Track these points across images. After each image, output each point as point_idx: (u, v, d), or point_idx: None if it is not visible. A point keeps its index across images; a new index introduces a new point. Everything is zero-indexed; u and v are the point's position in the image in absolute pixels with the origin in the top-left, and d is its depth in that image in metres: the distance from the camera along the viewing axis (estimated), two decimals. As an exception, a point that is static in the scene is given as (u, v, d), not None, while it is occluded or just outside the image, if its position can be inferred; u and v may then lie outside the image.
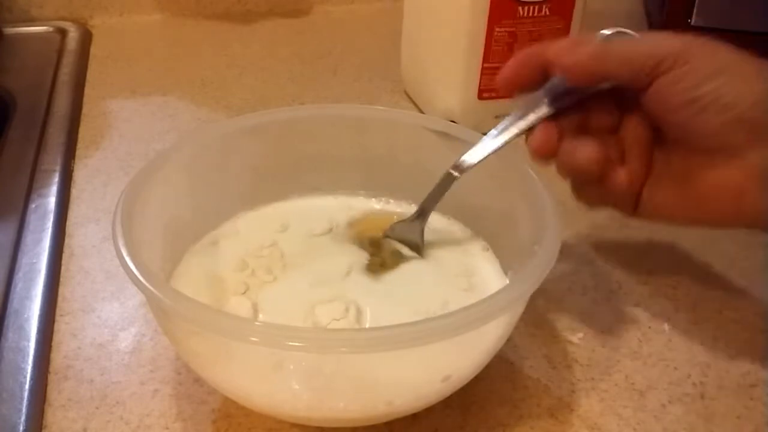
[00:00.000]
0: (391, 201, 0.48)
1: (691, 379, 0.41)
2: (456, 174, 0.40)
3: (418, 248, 0.43)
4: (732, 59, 0.35)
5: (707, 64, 0.34)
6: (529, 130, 0.38)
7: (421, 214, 0.43)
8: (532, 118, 0.38)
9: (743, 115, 0.34)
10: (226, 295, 0.40)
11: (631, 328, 0.44)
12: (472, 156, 0.40)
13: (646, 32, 0.39)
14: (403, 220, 0.44)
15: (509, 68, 0.38)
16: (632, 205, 0.38)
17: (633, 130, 0.38)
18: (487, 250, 0.44)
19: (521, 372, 0.41)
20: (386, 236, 0.44)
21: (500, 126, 0.39)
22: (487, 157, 0.39)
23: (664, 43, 0.35)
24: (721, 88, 0.34)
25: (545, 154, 0.38)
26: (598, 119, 0.38)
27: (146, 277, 0.32)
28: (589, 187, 0.39)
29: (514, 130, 0.38)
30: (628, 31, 0.39)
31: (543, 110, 0.38)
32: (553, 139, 0.37)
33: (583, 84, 0.37)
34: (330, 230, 0.45)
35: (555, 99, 0.38)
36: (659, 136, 0.37)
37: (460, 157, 0.40)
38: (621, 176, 0.37)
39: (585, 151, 0.37)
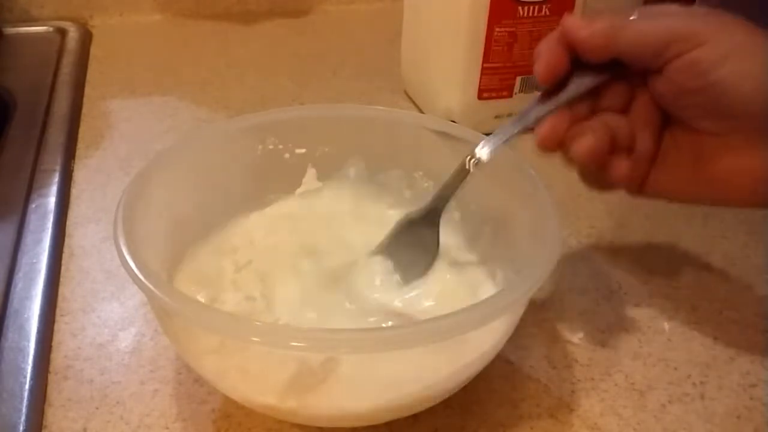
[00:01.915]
0: (392, 201, 0.48)
1: (691, 379, 0.41)
2: (471, 169, 0.39)
3: (433, 251, 0.42)
4: (751, 40, 0.34)
5: (723, 47, 0.33)
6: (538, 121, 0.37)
7: (434, 214, 0.41)
8: (548, 107, 0.37)
9: (763, 99, 0.33)
10: (225, 295, 0.40)
11: (631, 328, 0.44)
12: (488, 148, 0.38)
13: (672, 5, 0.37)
14: (412, 220, 0.42)
15: (547, 53, 0.37)
16: (638, 185, 0.38)
17: (643, 111, 0.37)
18: (487, 250, 0.44)
19: (521, 372, 0.41)
20: (395, 238, 0.42)
21: (513, 119, 0.38)
22: (502, 144, 0.38)
23: (678, 23, 0.34)
24: (739, 72, 0.33)
25: (550, 145, 0.37)
26: (609, 99, 0.37)
27: (147, 277, 0.32)
28: (594, 172, 0.38)
29: (527, 120, 0.37)
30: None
31: (560, 99, 0.37)
32: (560, 130, 0.37)
33: (594, 59, 0.36)
34: (329, 230, 0.45)
35: (570, 87, 0.37)
36: (669, 117, 0.37)
37: (474, 151, 0.39)
38: (622, 168, 0.37)
39: (583, 143, 0.36)
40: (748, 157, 0.35)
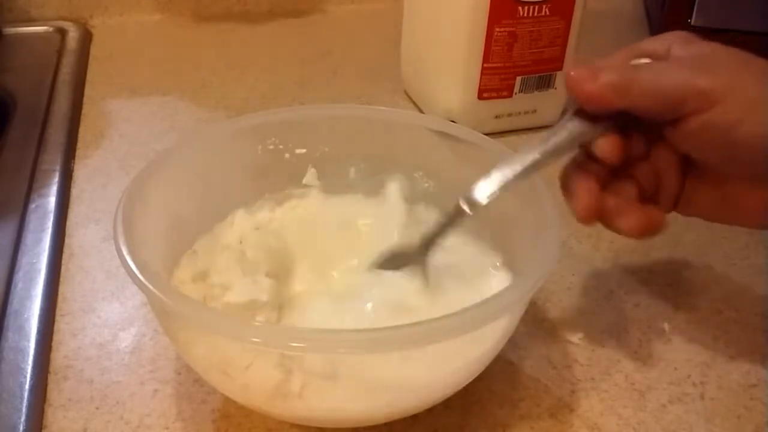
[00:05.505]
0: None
1: (691, 379, 0.41)
2: (468, 211, 0.37)
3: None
4: (765, 90, 0.33)
5: (738, 108, 0.32)
6: (551, 158, 0.36)
7: (426, 248, 0.40)
8: (553, 141, 0.36)
9: None
10: (224, 292, 0.40)
11: (631, 328, 0.44)
12: (486, 190, 0.36)
13: (680, 44, 0.36)
14: (402, 253, 0.41)
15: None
16: (671, 209, 0.38)
17: (664, 154, 0.37)
18: (490, 250, 0.44)
19: (521, 372, 0.41)
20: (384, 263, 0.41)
21: (518, 155, 0.36)
22: (504, 186, 0.36)
23: (691, 79, 0.33)
24: (754, 133, 0.32)
25: (590, 221, 0.37)
26: (631, 149, 0.36)
27: (147, 277, 0.32)
28: None
29: (529, 163, 0.36)
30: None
31: (565, 133, 0.36)
32: (595, 202, 0.36)
33: (602, 112, 0.35)
34: (329, 230, 0.45)
35: (575, 132, 0.36)
36: (689, 160, 0.36)
37: (472, 190, 0.37)
38: (659, 219, 0.37)
39: (626, 225, 0.36)
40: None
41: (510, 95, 0.62)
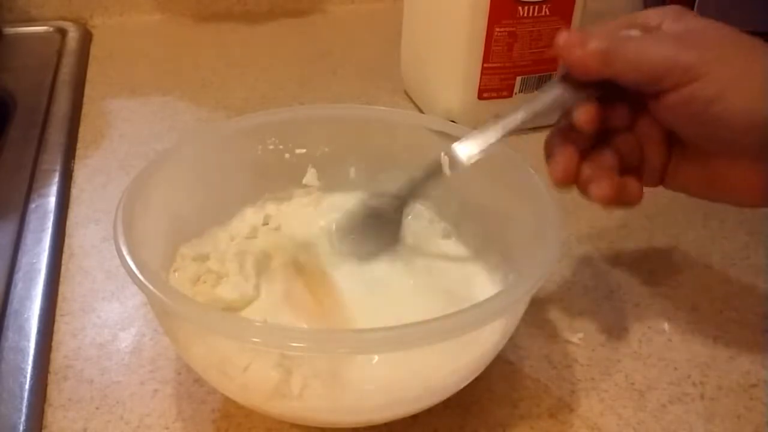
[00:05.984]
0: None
1: (691, 379, 0.41)
2: (449, 172, 0.39)
3: (395, 240, 0.42)
4: (749, 69, 0.33)
5: (718, 83, 0.33)
6: (534, 123, 0.37)
7: (402, 203, 0.41)
8: (536, 105, 0.37)
9: (762, 128, 0.33)
10: (223, 289, 0.40)
11: (631, 328, 0.44)
12: (469, 150, 0.38)
13: (670, 18, 0.36)
14: (379, 206, 0.42)
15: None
16: (657, 183, 0.39)
17: (648, 127, 0.37)
18: (485, 249, 0.44)
19: (521, 372, 0.41)
20: (354, 222, 0.42)
21: (501, 118, 0.37)
22: (487, 149, 0.38)
23: (675, 52, 0.33)
24: (732, 109, 0.33)
25: (566, 185, 0.37)
26: (614, 119, 0.37)
27: (147, 277, 0.32)
28: None
29: (516, 120, 0.37)
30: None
31: (548, 98, 0.36)
32: (572, 168, 0.37)
33: (587, 79, 0.36)
34: (328, 229, 0.45)
35: (559, 96, 0.36)
36: (674, 135, 0.37)
37: (455, 150, 0.38)
38: (635, 190, 0.38)
39: (599, 192, 0.37)
40: (752, 172, 0.35)
41: (510, 95, 0.62)
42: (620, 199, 0.37)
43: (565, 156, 0.37)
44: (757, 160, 0.34)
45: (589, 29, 0.36)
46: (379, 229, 0.42)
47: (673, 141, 0.37)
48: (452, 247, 0.45)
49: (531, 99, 0.37)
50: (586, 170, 0.37)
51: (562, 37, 0.35)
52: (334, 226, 0.43)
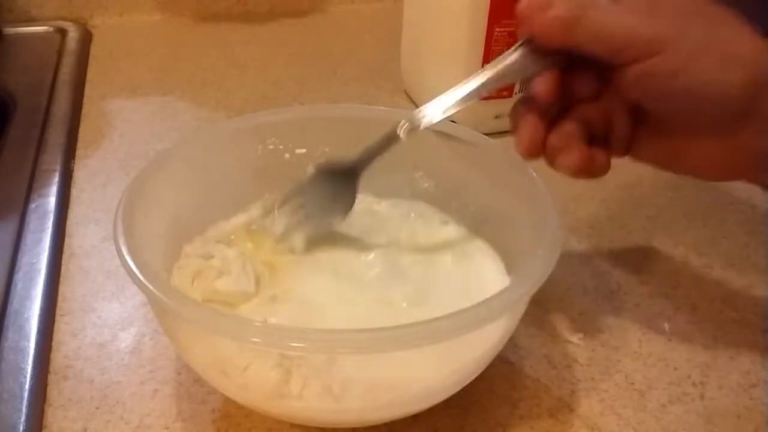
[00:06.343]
0: (391, 201, 0.47)
1: (691, 379, 0.41)
2: (404, 136, 0.39)
3: (347, 207, 0.42)
4: (711, 41, 0.32)
5: (679, 57, 0.32)
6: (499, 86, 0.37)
7: (357, 168, 0.41)
8: (497, 71, 0.36)
9: (724, 101, 0.32)
10: (221, 286, 0.40)
11: (631, 328, 0.44)
12: (429, 115, 0.38)
13: None
14: (333, 170, 0.42)
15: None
16: (623, 154, 0.38)
17: (613, 99, 0.36)
18: (488, 250, 0.44)
19: (521, 372, 0.41)
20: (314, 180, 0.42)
21: (462, 84, 0.38)
22: (445, 112, 0.38)
23: (638, 24, 0.33)
24: (693, 83, 0.32)
25: (533, 156, 0.37)
26: (579, 90, 0.36)
27: (147, 277, 0.32)
28: None
29: (475, 85, 0.37)
30: None
31: (508, 63, 0.36)
32: (539, 139, 0.37)
33: (550, 48, 0.35)
34: (327, 230, 0.45)
35: (524, 67, 0.36)
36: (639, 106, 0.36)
37: (414, 115, 0.39)
38: (602, 160, 0.37)
39: (566, 162, 0.36)
40: (716, 147, 0.35)
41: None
42: (588, 170, 0.37)
43: (530, 126, 0.37)
44: (719, 134, 0.34)
45: None
46: (335, 192, 0.42)
47: (638, 112, 0.37)
48: (452, 233, 0.45)
49: (492, 65, 0.37)
50: (553, 140, 0.37)
51: (523, 4, 0.34)
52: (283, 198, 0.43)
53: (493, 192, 0.43)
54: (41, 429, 0.37)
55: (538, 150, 0.37)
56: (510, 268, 0.41)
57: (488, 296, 0.32)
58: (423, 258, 0.43)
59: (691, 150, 0.36)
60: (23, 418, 0.37)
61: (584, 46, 0.34)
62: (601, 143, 0.38)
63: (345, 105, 0.59)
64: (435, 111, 0.38)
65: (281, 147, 0.47)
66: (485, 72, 0.37)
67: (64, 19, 0.83)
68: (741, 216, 0.54)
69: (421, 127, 0.38)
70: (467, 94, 0.37)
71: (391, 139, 0.40)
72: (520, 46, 0.36)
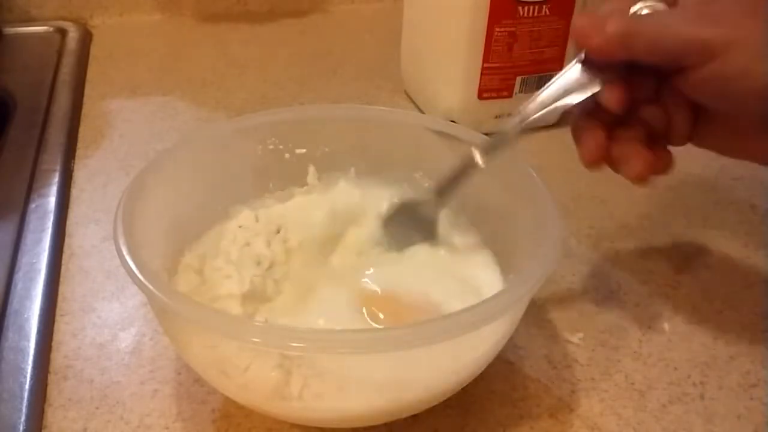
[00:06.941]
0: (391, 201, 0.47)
1: (691, 379, 0.41)
2: (482, 164, 0.39)
3: (432, 233, 0.42)
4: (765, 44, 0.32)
5: (738, 61, 0.32)
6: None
7: (440, 197, 0.42)
8: (556, 88, 0.37)
9: None
10: (222, 286, 0.40)
11: (631, 328, 0.44)
12: (500, 141, 0.39)
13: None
14: (416, 201, 0.43)
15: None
16: (684, 143, 0.38)
17: (673, 98, 0.37)
18: (487, 250, 0.44)
19: (521, 372, 0.41)
20: (395, 213, 0.43)
21: (525, 106, 0.38)
22: (515, 138, 0.38)
23: (690, 31, 0.33)
24: (757, 82, 0.32)
25: (597, 167, 0.38)
26: (640, 94, 0.37)
27: (147, 277, 0.32)
28: None
29: (541, 107, 0.37)
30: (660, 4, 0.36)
31: (567, 77, 0.36)
32: (602, 150, 0.37)
33: (607, 63, 0.35)
34: (328, 229, 0.45)
35: (579, 88, 0.36)
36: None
37: (486, 142, 0.39)
38: (667, 160, 0.38)
39: (632, 171, 0.37)
40: None
41: (510, 95, 0.62)
42: (654, 171, 0.37)
43: (593, 137, 0.37)
44: None
45: (600, 8, 0.35)
46: (416, 223, 0.43)
47: (699, 108, 0.37)
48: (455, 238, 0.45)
49: (547, 86, 0.37)
50: (616, 150, 0.37)
51: (578, 23, 0.35)
52: (380, 218, 0.43)
53: (493, 192, 0.43)
54: (41, 429, 0.37)
55: (602, 160, 0.37)
56: (510, 268, 0.41)
57: (484, 297, 0.32)
58: (422, 258, 0.43)
59: (753, 140, 0.36)
60: (23, 418, 0.37)
61: (644, 58, 0.34)
62: (663, 139, 0.38)
63: (345, 105, 0.59)
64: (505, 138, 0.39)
65: (281, 147, 0.47)
66: (548, 91, 0.37)
67: (64, 19, 0.83)
68: (741, 216, 0.54)
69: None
70: (532, 120, 0.38)
71: (469, 168, 0.40)
72: (576, 63, 0.36)
